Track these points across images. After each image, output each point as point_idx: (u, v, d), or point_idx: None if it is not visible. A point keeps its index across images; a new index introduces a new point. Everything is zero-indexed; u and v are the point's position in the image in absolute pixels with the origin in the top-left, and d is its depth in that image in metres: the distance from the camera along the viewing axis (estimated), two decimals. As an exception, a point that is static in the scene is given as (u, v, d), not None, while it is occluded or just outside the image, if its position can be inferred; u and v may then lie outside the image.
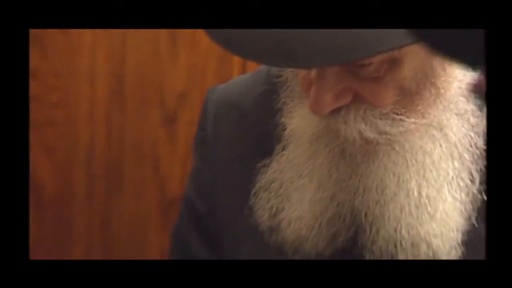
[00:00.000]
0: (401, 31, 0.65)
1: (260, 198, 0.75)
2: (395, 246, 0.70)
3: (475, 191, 0.71)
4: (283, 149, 0.73)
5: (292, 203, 0.73)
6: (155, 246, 1.25)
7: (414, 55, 0.66)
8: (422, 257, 0.70)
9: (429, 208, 0.70)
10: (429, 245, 0.70)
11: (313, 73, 0.66)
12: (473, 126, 0.72)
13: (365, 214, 0.70)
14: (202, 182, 0.81)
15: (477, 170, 0.72)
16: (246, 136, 0.78)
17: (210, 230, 0.80)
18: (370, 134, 0.67)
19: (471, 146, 0.72)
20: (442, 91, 0.70)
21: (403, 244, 0.70)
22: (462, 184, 0.71)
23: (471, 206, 0.71)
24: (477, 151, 0.72)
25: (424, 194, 0.70)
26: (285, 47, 0.61)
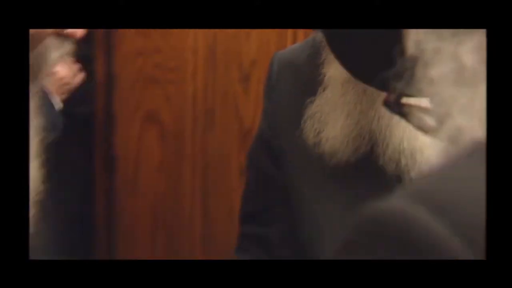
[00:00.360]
0: None
1: (307, 124, 0.95)
2: (399, 155, 0.89)
3: None
4: (323, 90, 0.94)
5: (329, 127, 0.93)
6: (236, 164, 1.77)
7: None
8: (418, 163, 0.87)
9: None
10: (422, 154, 0.88)
11: None
12: None
13: (379, 134, 0.90)
14: (269, 116, 1.04)
15: None
16: (298, 82, 0.99)
17: (274, 149, 1.02)
18: None
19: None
20: None
21: (405, 153, 0.89)
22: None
23: None
24: None
25: None
26: None
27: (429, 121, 0.77)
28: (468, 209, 0.44)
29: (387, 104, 0.75)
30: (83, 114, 1.77)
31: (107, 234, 1.79)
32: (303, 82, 0.97)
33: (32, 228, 0.69)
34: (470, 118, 0.58)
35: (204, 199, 1.80)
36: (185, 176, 1.78)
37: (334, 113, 0.93)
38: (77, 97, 1.66)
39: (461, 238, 0.45)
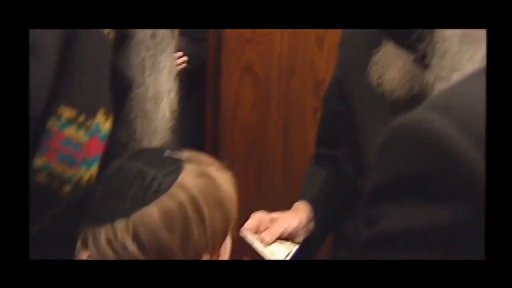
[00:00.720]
0: None
1: (372, 68, 1.09)
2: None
3: None
4: (386, 43, 1.06)
5: (389, 71, 1.07)
6: (310, 108, 1.99)
7: None
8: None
9: None
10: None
11: None
12: None
13: (425, 77, 0.99)
14: (342, 64, 1.21)
15: None
16: (365, 41, 1.13)
17: (344, 90, 1.18)
18: None
19: None
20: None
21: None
22: None
23: None
24: None
25: None
26: None
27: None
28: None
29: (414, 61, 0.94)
30: (198, 66, 2.01)
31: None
32: (370, 37, 1.12)
33: None
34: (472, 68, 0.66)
35: (285, 134, 2.02)
36: (271, 115, 1.98)
37: (394, 60, 1.07)
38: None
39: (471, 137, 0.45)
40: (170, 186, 0.78)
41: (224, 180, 0.85)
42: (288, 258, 1.04)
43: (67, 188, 0.81)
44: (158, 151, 0.86)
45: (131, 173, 0.78)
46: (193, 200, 0.79)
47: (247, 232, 1.05)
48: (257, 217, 1.09)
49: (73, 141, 0.82)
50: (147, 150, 0.91)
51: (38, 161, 0.79)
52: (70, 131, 0.81)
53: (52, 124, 0.80)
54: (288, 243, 1.08)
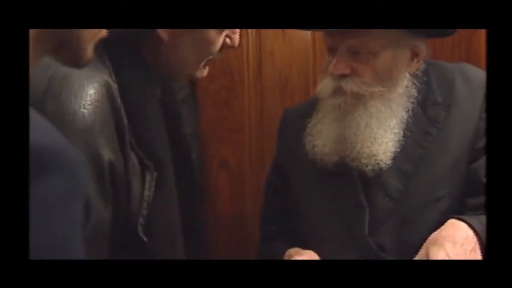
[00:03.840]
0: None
1: (307, 136, 1.33)
2: (364, 156, 1.25)
3: (401, 133, 1.27)
4: (317, 113, 1.33)
5: (321, 137, 1.31)
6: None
7: (387, 55, 1.25)
8: (372, 163, 1.26)
9: (379, 139, 1.26)
10: (377, 157, 1.25)
11: (337, 54, 1.24)
12: (408, 98, 1.29)
13: (351, 141, 1.27)
14: (280, 150, 1.47)
15: (408, 123, 1.27)
16: (300, 118, 1.38)
17: (284, 171, 1.43)
18: (357, 90, 1.24)
19: (404, 110, 1.28)
20: (397, 76, 1.26)
21: (366, 155, 1.25)
22: (396, 130, 1.27)
23: (398, 143, 1.27)
24: (410, 113, 1.27)
25: (378, 131, 1.26)
26: None
27: None
28: None
29: None
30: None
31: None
32: (305, 111, 1.37)
33: None
34: None
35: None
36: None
37: (323, 126, 1.30)
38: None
39: None
40: None
41: None
42: None
43: None
44: None
45: None
46: None
47: None
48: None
49: None
50: None
51: None
52: None
53: None
54: None
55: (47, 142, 0.59)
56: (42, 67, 0.90)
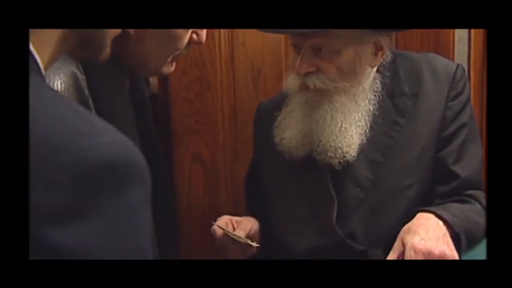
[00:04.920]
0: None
1: (276, 128, 1.37)
2: (330, 149, 1.28)
3: (367, 126, 1.30)
4: (286, 107, 1.37)
5: (288, 130, 1.34)
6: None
7: (350, 52, 1.26)
8: (338, 156, 1.29)
9: (344, 132, 1.28)
10: (342, 150, 1.28)
11: (301, 53, 1.26)
12: (374, 91, 1.31)
13: (318, 135, 1.29)
14: (256, 145, 1.51)
15: (368, 116, 1.30)
16: (270, 111, 1.42)
17: (259, 165, 1.48)
18: (321, 85, 1.26)
19: (369, 104, 1.30)
20: (361, 71, 1.28)
21: (332, 148, 1.28)
22: (362, 123, 1.30)
23: (364, 135, 1.30)
24: (371, 108, 1.30)
25: (343, 124, 1.29)
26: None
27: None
28: None
29: None
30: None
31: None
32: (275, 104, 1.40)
33: None
34: None
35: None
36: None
37: (291, 120, 1.33)
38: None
39: None
40: None
41: None
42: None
43: None
44: None
45: None
46: None
47: (218, 228, 1.36)
48: (225, 219, 1.40)
49: None
50: None
51: None
52: None
53: None
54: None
55: (130, 155, 0.61)
56: None
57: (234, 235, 1.33)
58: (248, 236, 1.36)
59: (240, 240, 1.33)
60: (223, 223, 1.37)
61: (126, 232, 0.60)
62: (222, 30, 1.74)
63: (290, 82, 1.31)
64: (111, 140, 0.60)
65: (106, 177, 0.59)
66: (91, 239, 0.59)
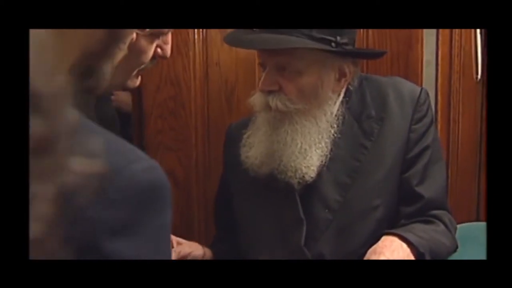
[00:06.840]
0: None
1: (243, 147, 1.39)
2: (290, 169, 1.31)
3: (328, 148, 1.33)
4: (253, 124, 1.39)
5: (253, 149, 1.37)
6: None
7: (312, 74, 1.30)
8: (298, 176, 1.32)
9: (304, 153, 1.32)
10: (302, 171, 1.30)
11: (266, 70, 1.30)
12: (336, 116, 1.34)
13: (279, 154, 1.33)
14: (225, 165, 1.54)
15: (329, 138, 1.33)
16: (238, 130, 1.44)
17: (228, 183, 1.49)
18: (282, 107, 1.29)
19: (331, 126, 1.34)
20: (322, 95, 1.31)
21: (292, 168, 1.31)
22: (322, 144, 1.33)
23: (324, 157, 1.33)
24: (333, 130, 1.34)
25: (303, 145, 1.32)
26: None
27: None
28: None
29: None
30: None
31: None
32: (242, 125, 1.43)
33: None
34: None
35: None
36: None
37: (255, 138, 1.36)
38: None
39: None
40: None
41: None
42: None
43: None
44: None
45: None
46: None
47: None
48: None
49: None
50: None
51: None
52: None
53: None
54: None
55: (164, 179, 0.68)
56: None
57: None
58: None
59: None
60: None
61: (160, 246, 0.67)
62: (196, 49, 1.77)
63: (255, 98, 1.34)
64: (151, 165, 0.67)
65: (150, 198, 0.65)
66: (137, 251, 0.64)
